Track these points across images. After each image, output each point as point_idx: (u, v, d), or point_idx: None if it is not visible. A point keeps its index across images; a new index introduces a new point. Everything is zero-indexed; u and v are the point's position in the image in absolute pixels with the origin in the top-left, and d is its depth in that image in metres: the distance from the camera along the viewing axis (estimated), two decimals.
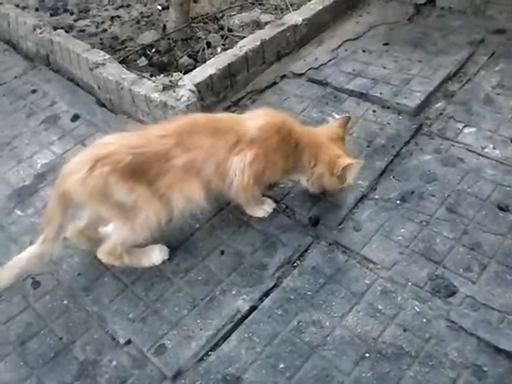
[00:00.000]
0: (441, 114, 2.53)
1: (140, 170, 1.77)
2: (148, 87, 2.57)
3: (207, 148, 1.86)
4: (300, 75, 2.93)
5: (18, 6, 3.76)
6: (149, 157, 1.79)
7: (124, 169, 1.74)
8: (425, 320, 1.71)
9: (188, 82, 2.55)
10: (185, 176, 1.85)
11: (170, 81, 2.51)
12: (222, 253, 2.01)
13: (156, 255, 1.99)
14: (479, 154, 2.28)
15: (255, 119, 1.96)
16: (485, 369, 1.57)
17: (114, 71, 2.75)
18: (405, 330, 1.69)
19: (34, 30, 3.27)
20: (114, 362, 1.71)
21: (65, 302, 1.90)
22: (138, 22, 3.60)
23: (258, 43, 2.86)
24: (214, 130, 1.89)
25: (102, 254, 1.94)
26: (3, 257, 1.96)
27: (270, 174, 2.00)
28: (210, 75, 2.64)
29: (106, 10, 3.85)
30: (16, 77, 3.27)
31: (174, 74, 2.61)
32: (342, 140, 2.09)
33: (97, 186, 1.72)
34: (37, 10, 3.88)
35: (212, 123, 1.93)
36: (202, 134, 1.86)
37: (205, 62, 2.83)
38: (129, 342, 1.76)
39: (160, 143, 1.82)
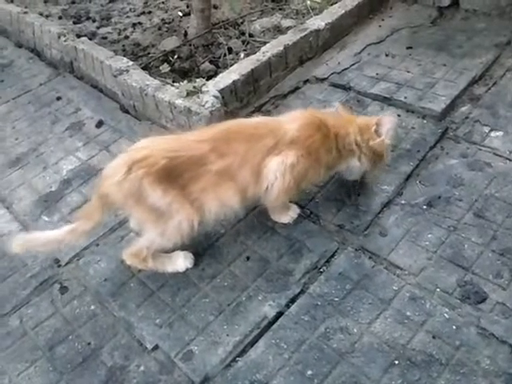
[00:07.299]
0: (466, 117, 2.50)
1: (174, 174, 1.79)
2: (172, 93, 2.58)
3: (243, 153, 1.86)
4: (323, 80, 2.92)
5: (41, 14, 3.83)
6: (183, 161, 1.81)
7: (158, 172, 1.76)
8: (454, 327, 1.69)
9: (212, 87, 2.55)
10: (219, 181, 1.85)
11: (194, 87, 2.52)
12: (248, 258, 2.00)
13: (180, 262, 1.99)
14: (506, 158, 2.25)
15: (293, 120, 1.96)
16: None
17: (137, 78, 2.77)
18: (434, 337, 1.67)
19: (59, 37, 3.32)
20: (142, 368, 1.71)
21: (92, 307, 1.92)
22: (159, 29, 3.63)
23: (281, 48, 2.86)
24: (251, 135, 1.89)
25: (127, 255, 1.96)
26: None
27: (314, 174, 1.99)
28: (234, 81, 2.64)
29: (127, 17, 3.89)
30: (41, 84, 3.32)
31: (198, 80, 2.62)
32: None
33: (132, 189, 1.76)
34: (60, 18, 3.94)
35: (249, 129, 1.93)
36: (238, 141, 1.87)
37: (226, 67, 2.85)
38: (156, 347, 1.76)
39: (195, 148, 1.83)
